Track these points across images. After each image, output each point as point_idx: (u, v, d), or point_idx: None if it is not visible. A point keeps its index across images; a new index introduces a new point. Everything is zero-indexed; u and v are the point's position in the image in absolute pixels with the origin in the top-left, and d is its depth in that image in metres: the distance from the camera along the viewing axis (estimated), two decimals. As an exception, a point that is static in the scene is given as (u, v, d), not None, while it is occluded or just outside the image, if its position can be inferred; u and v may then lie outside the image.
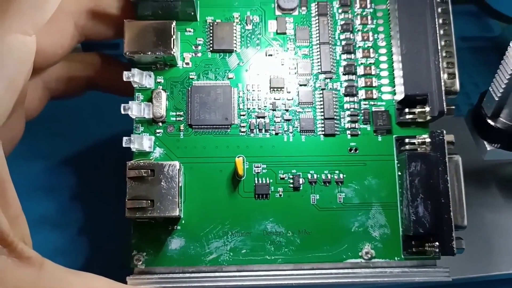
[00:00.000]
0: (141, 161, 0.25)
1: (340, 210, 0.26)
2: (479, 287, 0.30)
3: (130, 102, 0.25)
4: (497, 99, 0.25)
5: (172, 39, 0.25)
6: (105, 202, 0.30)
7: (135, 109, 0.25)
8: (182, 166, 0.25)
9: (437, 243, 0.24)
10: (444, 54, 0.26)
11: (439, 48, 0.26)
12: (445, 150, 0.25)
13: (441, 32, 0.26)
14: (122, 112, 0.26)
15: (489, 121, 0.26)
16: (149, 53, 0.25)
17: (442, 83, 0.25)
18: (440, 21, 0.26)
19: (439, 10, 0.26)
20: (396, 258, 0.25)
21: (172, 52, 0.25)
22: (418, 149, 0.25)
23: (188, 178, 0.26)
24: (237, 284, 0.24)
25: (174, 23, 0.26)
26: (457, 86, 0.26)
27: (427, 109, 0.26)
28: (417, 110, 0.26)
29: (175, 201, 0.23)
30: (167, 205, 0.23)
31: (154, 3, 0.25)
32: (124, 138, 0.24)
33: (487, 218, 0.30)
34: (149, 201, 0.23)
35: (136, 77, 0.26)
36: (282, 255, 0.25)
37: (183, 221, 0.25)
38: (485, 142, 0.27)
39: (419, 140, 0.25)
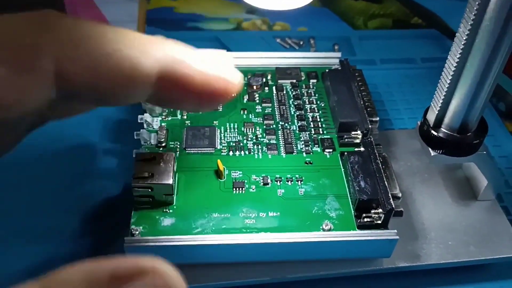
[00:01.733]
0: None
1: (302, 199, 0.32)
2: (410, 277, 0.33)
3: (141, 130, 0.35)
4: (436, 112, 0.31)
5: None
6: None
7: (145, 134, 0.35)
8: (177, 171, 0.33)
9: (379, 208, 0.30)
10: (364, 99, 0.37)
11: (360, 95, 0.37)
12: (373, 146, 0.33)
13: (361, 88, 0.38)
14: (135, 137, 0.35)
15: (432, 131, 0.32)
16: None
17: (365, 113, 0.36)
18: (359, 84, 0.38)
19: (358, 79, 0.39)
20: (351, 230, 0.30)
21: (174, 100, 0.36)
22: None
23: (181, 180, 0.33)
24: (218, 243, 0.29)
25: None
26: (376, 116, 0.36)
27: (358, 131, 0.35)
28: (352, 134, 0.35)
29: (169, 175, 0.30)
30: (163, 177, 0.30)
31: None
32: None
33: (433, 214, 0.35)
34: (150, 173, 0.30)
35: (148, 118, 0.36)
36: (256, 228, 0.30)
37: (175, 207, 0.31)
38: (430, 149, 0.32)
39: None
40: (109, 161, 0.40)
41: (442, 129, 0.32)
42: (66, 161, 0.39)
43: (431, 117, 0.32)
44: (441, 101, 0.31)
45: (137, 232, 0.30)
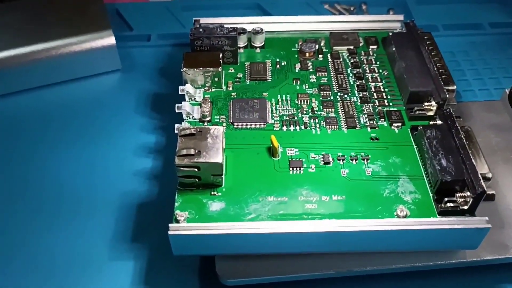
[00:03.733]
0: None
1: (370, 181, 0.28)
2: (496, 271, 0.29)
3: (183, 102, 0.31)
4: None
5: (219, 60, 0.32)
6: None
7: (187, 107, 0.30)
8: (225, 149, 0.29)
9: (466, 190, 0.25)
10: (438, 65, 0.32)
11: (432, 60, 0.32)
12: (453, 118, 0.28)
13: (432, 53, 0.33)
14: (177, 110, 0.31)
15: None
16: (201, 68, 0.32)
17: (440, 80, 0.31)
18: (429, 48, 0.33)
19: (427, 42, 0.34)
20: (431, 217, 0.26)
21: (219, 69, 0.32)
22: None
23: (230, 159, 0.29)
24: (275, 231, 0.25)
25: (221, 53, 0.33)
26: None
27: (433, 102, 0.30)
28: (424, 105, 0.31)
29: (219, 152, 0.26)
30: (212, 154, 0.26)
31: (206, 41, 0.34)
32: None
33: None
34: (196, 150, 0.26)
35: (190, 89, 0.32)
36: (319, 214, 0.26)
37: (223, 189, 0.27)
38: None
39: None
40: (148, 137, 0.36)
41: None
42: (99, 138, 0.36)
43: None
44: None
45: (182, 218, 0.26)
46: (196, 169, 0.26)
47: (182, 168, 0.26)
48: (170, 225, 0.25)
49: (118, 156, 0.35)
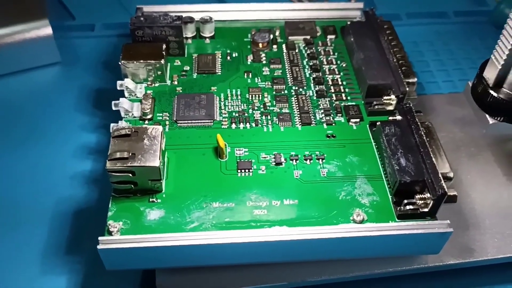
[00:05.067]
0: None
1: (324, 182, 0.25)
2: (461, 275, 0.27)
3: (121, 98, 0.28)
4: (499, 67, 0.25)
5: (162, 52, 0.30)
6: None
7: (126, 103, 0.28)
8: (167, 150, 0.26)
9: (426, 192, 0.24)
10: (397, 56, 0.30)
11: (392, 51, 0.30)
12: (413, 113, 0.26)
13: (392, 43, 0.31)
14: (113, 108, 0.28)
15: (491, 92, 0.26)
16: (141, 61, 0.29)
17: (400, 73, 0.29)
18: (389, 38, 0.31)
19: (387, 32, 0.32)
20: (390, 221, 0.24)
21: (162, 62, 0.29)
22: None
23: (172, 161, 0.26)
24: (220, 242, 0.22)
25: (164, 44, 0.30)
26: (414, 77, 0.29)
27: (392, 96, 0.28)
28: (383, 99, 0.28)
29: (156, 155, 0.24)
30: (148, 157, 0.23)
31: (148, 31, 0.31)
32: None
33: (485, 197, 0.28)
34: (130, 153, 0.23)
35: (130, 84, 0.29)
36: (269, 221, 0.24)
37: (163, 195, 0.24)
38: (487, 116, 0.26)
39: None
40: (88, 137, 0.33)
41: (504, 89, 0.25)
42: (34, 138, 0.33)
43: (491, 74, 0.25)
44: (507, 53, 0.24)
45: (115, 230, 0.23)
46: (130, 174, 0.23)
47: (115, 174, 0.23)
48: (100, 238, 0.22)
49: (55, 158, 0.32)
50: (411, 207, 0.24)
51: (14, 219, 0.29)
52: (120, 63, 0.29)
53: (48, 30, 0.36)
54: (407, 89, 0.28)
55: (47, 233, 0.28)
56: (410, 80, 0.29)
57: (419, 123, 0.26)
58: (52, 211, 0.29)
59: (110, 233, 0.23)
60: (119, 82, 0.29)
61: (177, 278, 0.24)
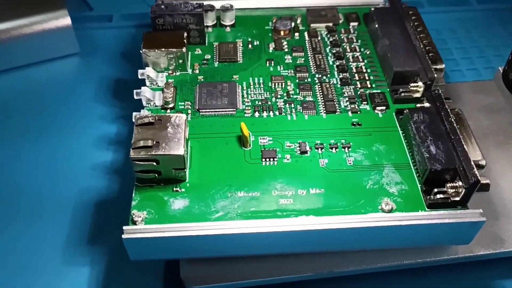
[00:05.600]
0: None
1: (351, 171, 0.25)
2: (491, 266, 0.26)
3: (142, 87, 0.28)
4: None
5: (183, 40, 0.29)
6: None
7: (147, 92, 0.27)
8: (190, 139, 0.26)
9: (458, 180, 0.23)
10: (424, 42, 0.29)
11: (418, 37, 0.29)
12: (442, 100, 0.26)
13: (418, 30, 0.30)
14: (135, 97, 0.28)
15: None
16: (163, 49, 0.29)
17: (427, 59, 0.28)
18: (415, 24, 0.30)
19: (412, 18, 0.31)
20: (419, 211, 0.23)
21: (183, 50, 0.29)
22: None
23: (195, 150, 0.25)
24: (246, 231, 0.22)
25: (185, 33, 0.30)
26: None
27: (420, 83, 0.28)
28: (410, 86, 0.28)
29: (180, 143, 0.23)
30: (173, 146, 0.23)
31: (169, 19, 0.30)
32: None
33: None
34: (155, 141, 0.23)
35: (151, 73, 0.28)
36: (295, 211, 0.23)
37: (187, 184, 0.24)
38: None
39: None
40: (108, 128, 0.33)
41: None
42: (54, 129, 0.32)
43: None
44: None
45: (139, 219, 0.23)
46: (154, 163, 0.23)
47: (138, 162, 0.23)
48: (124, 227, 0.22)
49: (75, 149, 0.32)
50: (441, 195, 0.23)
51: (36, 210, 0.29)
52: (141, 51, 0.29)
53: (67, 21, 0.35)
54: (435, 75, 0.27)
55: (69, 224, 0.28)
56: (438, 67, 0.28)
57: (448, 110, 0.25)
58: (74, 201, 0.29)
59: (134, 223, 0.22)
60: (140, 71, 0.28)
61: (202, 269, 0.24)
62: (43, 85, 0.35)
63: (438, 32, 0.40)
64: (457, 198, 0.23)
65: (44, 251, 0.27)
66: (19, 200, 0.29)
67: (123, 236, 0.22)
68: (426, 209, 0.23)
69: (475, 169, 0.22)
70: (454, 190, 0.23)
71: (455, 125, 0.24)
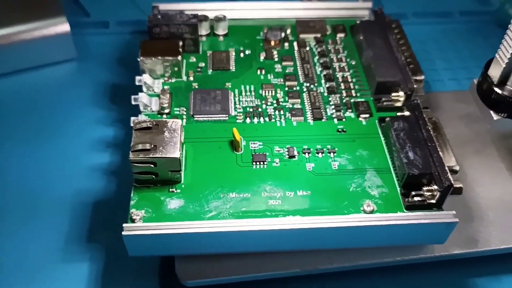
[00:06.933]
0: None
1: (336, 175, 0.27)
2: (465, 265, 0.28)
3: (140, 93, 0.29)
4: (504, 65, 0.26)
5: (179, 49, 0.31)
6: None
7: (145, 98, 0.29)
8: (185, 143, 0.27)
9: (433, 184, 0.25)
10: (405, 54, 0.31)
11: (400, 49, 0.31)
12: (420, 109, 0.27)
13: (400, 42, 0.32)
14: (133, 102, 0.29)
15: (496, 89, 0.26)
16: (159, 57, 0.30)
17: (408, 70, 0.30)
18: (397, 36, 0.32)
19: (395, 31, 0.33)
20: (398, 212, 0.25)
21: (178, 58, 0.30)
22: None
23: (189, 153, 0.27)
24: (237, 229, 0.23)
25: (181, 41, 0.31)
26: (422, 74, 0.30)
27: (401, 93, 0.29)
28: (392, 96, 0.30)
29: (176, 147, 0.25)
30: (169, 149, 0.25)
31: (165, 28, 0.32)
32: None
33: (490, 191, 0.29)
34: (152, 145, 0.25)
35: (148, 80, 0.30)
36: (283, 211, 0.25)
37: (182, 186, 0.26)
38: (492, 112, 0.27)
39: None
40: (105, 131, 0.34)
41: (508, 86, 0.26)
42: (52, 132, 0.34)
43: (495, 72, 0.26)
44: (511, 52, 0.25)
45: (138, 218, 0.24)
46: (152, 165, 0.25)
47: (137, 164, 0.24)
48: (124, 225, 0.23)
49: (72, 151, 0.33)
50: (418, 198, 0.25)
51: (33, 210, 0.30)
52: (138, 59, 0.30)
53: (65, 27, 0.37)
54: (415, 86, 0.29)
55: (67, 223, 0.29)
56: (418, 78, 0.30)
57: (426, 119, 0.27)
58: (71, 202, 0.30)
59: (133, 221, 0.24)
60: (137, 78, 0.30)
61: (195, 265, 0.26)
62: (41, 89, 0.37)
63: (422, 42, 0.42)
64: (433, 201, 0.25)
65: (42, 249, 0.28)
66: (15, 202, 0.30)
67: (123, 233, 0.23)
68: (405, 210, 0.25)
69: (449, 174, 0.24)
70: (430, 193, 0.25)
71: (432, 132, 0.26)
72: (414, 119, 0.27)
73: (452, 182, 0.24)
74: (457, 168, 0.26)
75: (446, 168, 0.24)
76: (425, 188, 0.25)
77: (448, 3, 0.45)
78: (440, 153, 0.25)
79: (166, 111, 0.29)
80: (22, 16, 0.37)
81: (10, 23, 0.36)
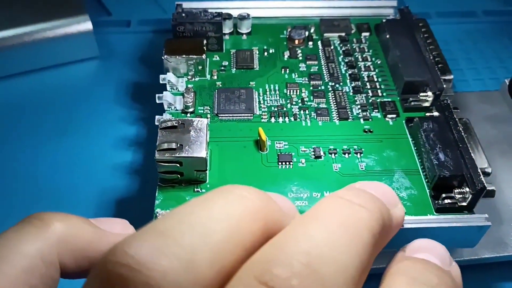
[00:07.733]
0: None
1: (363, 176, 0.26)
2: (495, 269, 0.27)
3: (164, 92, 0.29)
4: None
5: (203, 47, 0.30)
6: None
7: (169, 97, 0.29)
8: (210, 142, 0.27)
9: (465, 186, 0.24)
10: (433, 53, 0.30)
11: (428, 48, 0.31)
12: (451, 109, 0.27)
13: (427, 41, 0.31)
14: (157, 101, 0.29)
15: None
16: (184, 55, 0.30)
17: (436, 70, 0.29)
18: (424, 35, 0.32)
19: (422, 29, 0.32)
20: (428, 214, 0.24)
21: (203, 57, 0.30)
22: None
23: (214, 152, 0.27)
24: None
25: (205, 40, 0.31)
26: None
27: (429, 93, 0.29)
28: (420, 96, 0.29)
29: (203, 146, 0.24)
30: (195, 148, 0.24)
31: (189, 27, 0.31)
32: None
33: None
34: (178, 144, 0.24)
35: (172, 78, 0.30)
36: (310, 212, 0.24)
37: (208, 185, 0.25)
38: None
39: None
40: (127, 130, 0.34)
41: (542, 87, 0.25)
42: (75, 130, 0.34)
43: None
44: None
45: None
46: (178, 165, 0.24)
47: (163, 164, 0.24)
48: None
49: (96, 149, 0.33)
50: (449, 201, 0.24)
51: (59, 207, 0.30)
52: (163, 57, 0.30)
53: (88, 25, 0.37)
54: (444, 85, 0.28)
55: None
56: (447, 77, 0.29)
57: (457, 119, 0.26)
58: (96, 200, 0.30)
59: (158, 220, 0.24)
60: (161, 76, 0.30)
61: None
62: (64, 87, 0.37)
63: (446, 42, 0.41)
64: (464, 204, 0.24)
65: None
66: (42, 199, 0.30)
67: (149, 233, 0.23)
68: (434, 213, 0.24)
69: (481, 176, 0.24)
70: (461, 195, 0.24)
71: (463, 134, 0.26)
72: (443, 119, 0.27)
73: (485, 184, 0.23)
74: (489, 170, 0.25)
75: (479, 170, 0.24)
76: (456, 191, 0.24)
77: (471, 3, 0.45)
78: (472, 154, 0.25)
79: (190, 110, 0.29)
80: (45, 14, 0.37)
81: (34, 21, 0.36)
